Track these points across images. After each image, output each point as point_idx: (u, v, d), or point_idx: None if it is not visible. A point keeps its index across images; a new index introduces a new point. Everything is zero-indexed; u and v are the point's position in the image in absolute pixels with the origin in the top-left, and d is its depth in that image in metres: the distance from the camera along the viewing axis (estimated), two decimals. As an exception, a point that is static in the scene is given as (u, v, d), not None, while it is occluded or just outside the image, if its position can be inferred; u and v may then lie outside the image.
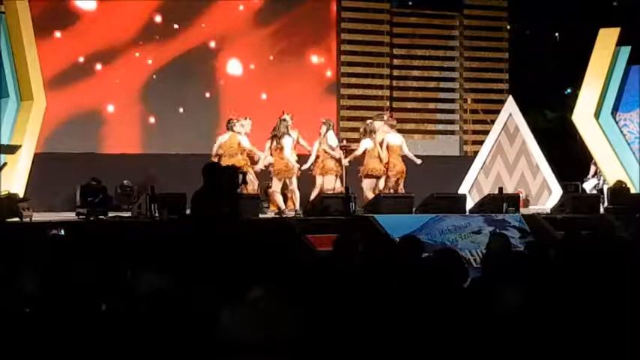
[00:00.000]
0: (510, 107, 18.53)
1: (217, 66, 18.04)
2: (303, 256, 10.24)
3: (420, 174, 15.82)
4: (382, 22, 19.47)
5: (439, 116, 20.18)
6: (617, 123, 18.20)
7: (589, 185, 18.09)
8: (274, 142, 14.87)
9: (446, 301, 4.96)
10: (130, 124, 17.34)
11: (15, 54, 14.62)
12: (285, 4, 18.55)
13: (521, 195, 16.60)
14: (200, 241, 8.91)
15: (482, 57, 20.21)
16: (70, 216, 13.10)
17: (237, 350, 3.59)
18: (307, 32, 18.71)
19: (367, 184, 15.34)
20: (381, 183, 15.48)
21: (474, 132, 20.19)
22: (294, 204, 14.96)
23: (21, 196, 13.44)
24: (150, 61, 17.38)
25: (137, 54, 17.26)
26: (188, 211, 10.88)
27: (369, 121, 15.72)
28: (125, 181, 15.83)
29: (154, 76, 17.39)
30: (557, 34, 21.96)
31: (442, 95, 20.20)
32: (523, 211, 15.26)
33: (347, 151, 15.70)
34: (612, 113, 18.18)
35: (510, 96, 18.93)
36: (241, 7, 18.23)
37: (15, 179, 14.12)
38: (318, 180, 15.20)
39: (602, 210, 15.51)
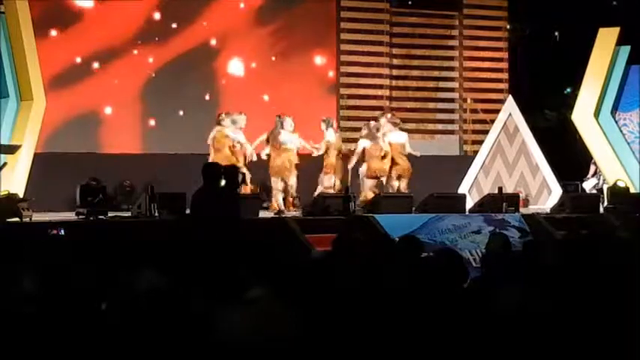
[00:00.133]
0: (510, 107, 18.54)
1: (218, 65, 18.04)
2: (303, 256, 10.25)
3: (420, 174, 15.82)
4: (382, 22, 19.47)
5: (439, 116, 20.19)
6: (616, 123, 18.20)
7: (589, 185, 18.10)
8: (272, 140, 14.93)
9: (445, 301, 4.96)
10: (130, 124, 17.33)
11: (15, 54, 14.61)
12: (285, 3, 18.56)
13: (520, 195, 16.61)
14: (200, 241, 8.92)
15: (482, 57, 20.22)
16: (70, 216, 13.09)
17: (237, 350, 3.59)
18: (307, 32, 18.71)
19: (369, 185, 15.34)
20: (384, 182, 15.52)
21: (474, 132, 20.20)
22: (293, 204, 14.97)
23: (21, 196, 13.43)
24: (151, 59, 17.38)
25: (137, 52, 17.26)
26: (188, 211, 10.89)
27: (372, 123, 15.70)
28: (125, 181, 15.84)
29: (154, 75, 17.39)
30: (557, 34, 21.96)
31: (442, 95, 20.21)
32: (523, 210, 15.27)
33: (349, 152, 15.74)
34: (612, 113, 18.18)
35: (510, 96, 18.95)
36: (242, 5, 18.24)
37: (15, 179, 14.11)
38: (323, 178, 15.26)
39: (601, 210, 15.51)
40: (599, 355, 4.69)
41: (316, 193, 14.93)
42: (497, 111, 18.93)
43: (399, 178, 15.59)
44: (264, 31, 18.33)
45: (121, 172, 16.14)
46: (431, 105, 20.06)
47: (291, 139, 14.89)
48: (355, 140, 16.11)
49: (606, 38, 18.12)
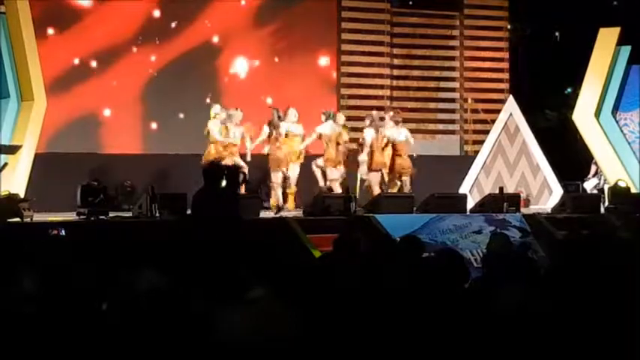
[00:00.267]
0: (511, 107, 18.54)
1: (218, 64, 18.03)
2: (303, 257, 10.25)
3: (421, 174, 15.83)
4: (383, 22, 19.47)
5: (439, 116, 20.19)
6: (617, 122, 18.20)
7: (589, 185, 18.10)
8: (272, 132, 14.99)
9: (446, 301, 4.96)
10: (131, 124, 17.33)
11: (15, 54, 14.60)
12: (285, 2, 18.56)
13: (521, 195, 16.61)
14: (201, 242, 8.91)
15: (483, 57, 20.22)
16: (71, 216, 13.08)
17: (238, 350, 3.59)
18: (307, 32, 18.71)
19: (374, 178, 15.36)
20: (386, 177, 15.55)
21: (475, 132, 20.20)
22: (294, 200, 14.99)
23: (22, 196, 13.43)
24: (153, 58, 17.38)
25: (138, 52, 17.26)
26: (189, 212, 10.88)
27: (374, 112, 15.76)
28: (126, 182, 15.83)
29: (156, 74, 17.39)
30: (557, 34, 21.95)
31: (442, 95, 20.20)
32: (524, 210, 15.27)
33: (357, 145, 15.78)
34: (613, 113, 18.18)
35: (511, 96, 18.94)
36: (243, 2, 18.24)
37: (15, 179, 14.11)
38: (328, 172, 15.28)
39: (602, 210, 15.51)
40: (599, 355, 4.68)
41: (320, 184, 14.97)
42: (498, 111, 18.93)
43: (400, 176, 15.60)
44: (265, 31, 18.32)
45: (121, 173, 16.14)
46: (432, 105, 20.06)
47: (297, 127, 15.00)
48: (356, 140, 16.13)
49: (607, 38, 18.12)
